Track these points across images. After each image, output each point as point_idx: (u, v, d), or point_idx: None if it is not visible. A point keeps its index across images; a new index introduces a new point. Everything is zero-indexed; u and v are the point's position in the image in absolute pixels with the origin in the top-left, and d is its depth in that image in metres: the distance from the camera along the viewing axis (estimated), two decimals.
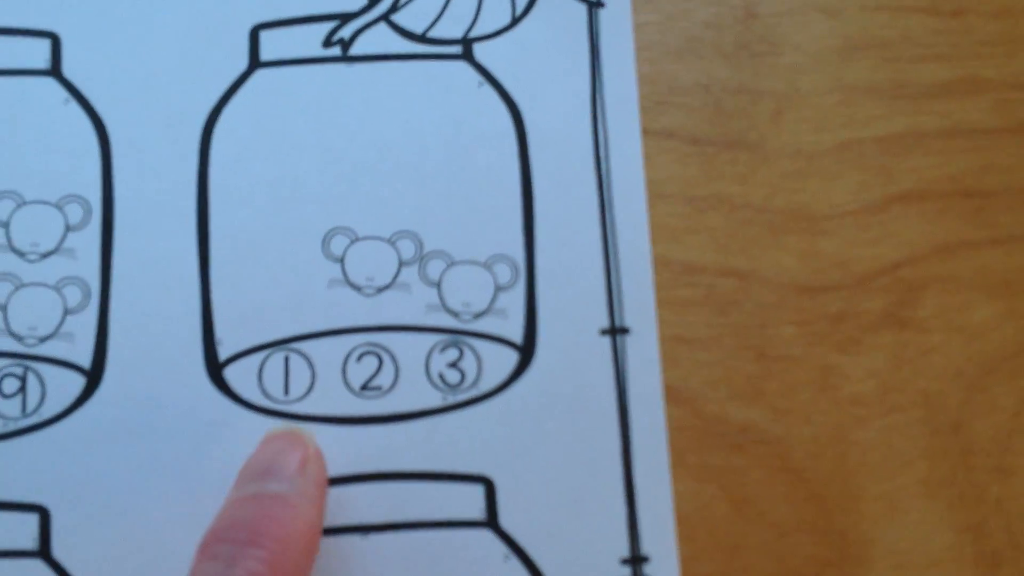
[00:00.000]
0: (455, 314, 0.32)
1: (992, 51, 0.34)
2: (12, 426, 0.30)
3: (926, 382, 0.32)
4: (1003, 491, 0.32)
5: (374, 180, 0.32)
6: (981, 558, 0.31)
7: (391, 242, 0.32)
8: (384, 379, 0.31)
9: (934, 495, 0.31)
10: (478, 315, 0.32)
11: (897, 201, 0.33)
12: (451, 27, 0.34)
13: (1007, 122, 0.34)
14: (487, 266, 0.32)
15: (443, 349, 0.32)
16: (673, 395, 0.32)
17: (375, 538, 0.30)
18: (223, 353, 0.31)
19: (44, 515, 0.30)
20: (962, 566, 0.31)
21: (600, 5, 0.34)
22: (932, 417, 0.32)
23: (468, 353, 0.32)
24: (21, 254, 0.31)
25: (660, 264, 0.32)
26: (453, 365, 0.31)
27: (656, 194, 0.33)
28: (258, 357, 0.31)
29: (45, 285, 0.31)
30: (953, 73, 0.34)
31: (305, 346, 0.31)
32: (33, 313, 0.31)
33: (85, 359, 0.31)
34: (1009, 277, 0.33)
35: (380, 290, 0.32)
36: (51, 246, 0.32)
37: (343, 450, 0.31)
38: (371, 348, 0.31)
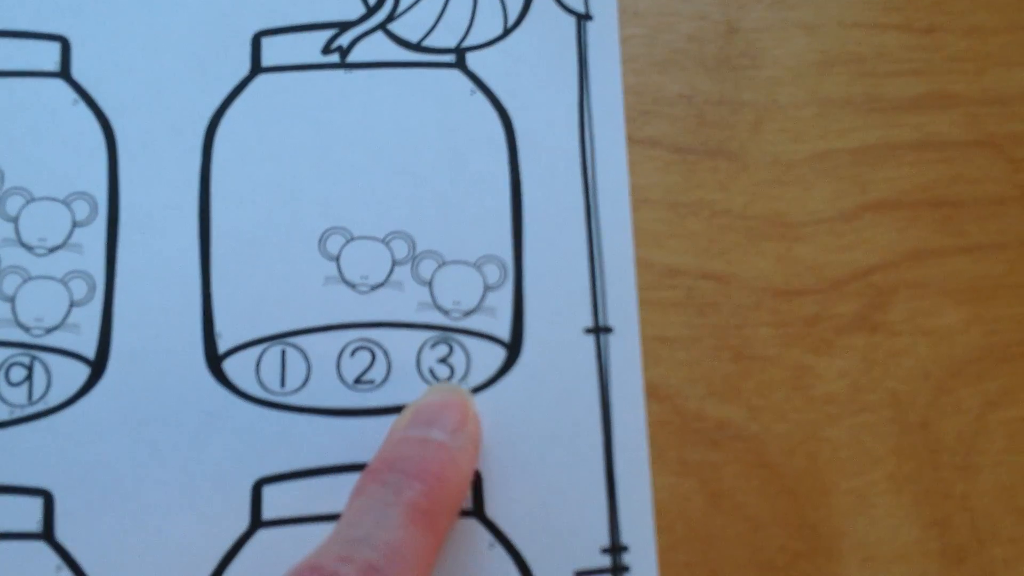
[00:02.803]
0: (445, 312, 0.33)
1: (962, 67, 0.36)
2: (18, 413, 0.31)
3: (895, 383, 0.33)
4: (968, 488, 0.33)
5: (369, 182, 0.33)
6: (946, 552, 0.32)
7: (385, 242, 0.33)
8: (376, 373, 0.32)
9: (902, 491, 0.33)
10: (467, 313, 0.33)
11: (870, 209, 0.34)
12: (445, 37, 0.35)
13: (976, 135, 0.35)
14: (477, 266, 0.33)
15: (434, 345, 0.33)
16: (653, 392, 0.33)
17: None
18: (222, 346, 0.32)
19: (48, 499, 0.31)
20: (928, 559, 0.32)
21: (588, 18, 0.35)
22: (900, 416, 0.33)
23: (457, 349, 0.33)
24: (29, 248, 0.32)
25: (643, 266, 0.34)
26: (443, 361, 0.33)
27: (640, 200, 0.34)
28: (256, 350, 0.32)
29: (52, 278, 0.32)
30: (925, 88, 0.35)
31: (301, 340, 0.32)
32: (40, 305, 0.32)
33: (90, 350, 0.32)
34: (976, 284, 0.34)
35: (374, 288, 0.33)
36: (58, 241, 0.33)
37: (337, 441, 0.32)
38: (364, 343, 0.32)
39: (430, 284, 0.33)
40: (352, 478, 0.31)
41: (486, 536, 0.31)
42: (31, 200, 0.33)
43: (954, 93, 0.35)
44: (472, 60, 0.35)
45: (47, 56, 0.34)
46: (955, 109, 0.35)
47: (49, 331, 0.32)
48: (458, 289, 0.33)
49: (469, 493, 0.31)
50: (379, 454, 0.29)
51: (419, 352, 0.33)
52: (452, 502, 0.28)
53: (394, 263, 0.33)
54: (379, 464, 0.28)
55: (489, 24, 0.35)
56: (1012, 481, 0.33)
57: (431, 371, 0.32)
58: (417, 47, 0.35)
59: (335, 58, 0.34)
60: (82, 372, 0.32)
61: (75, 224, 0.33)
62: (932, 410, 0.33)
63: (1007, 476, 0.33)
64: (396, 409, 0.32)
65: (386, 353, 0.32)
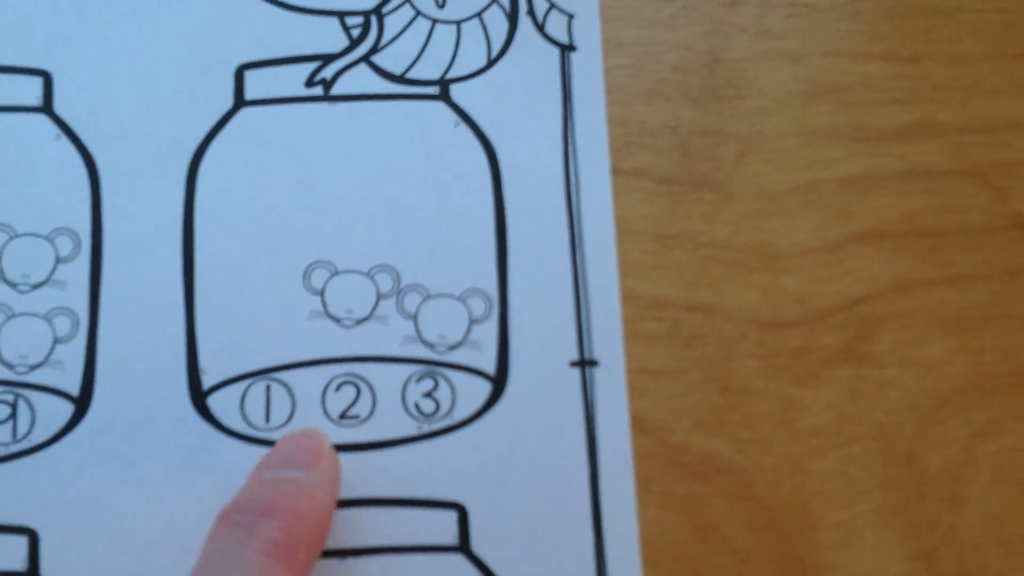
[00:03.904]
0: (431, 346, 0.33)
1: (947, 96, 0.36)
2: (3, 451, 0.31)
3: (881, 415, 0.33)
4: (955, 520, 0.33)
5: (354, 215, 0.33)
6: None
7: (370, 275, 0.33)
8: (362, 408, 0.32)
9: (888, 523, 0.33)
10: (453, 347, 0.33)
11: (855, 240, 0.34)
12: (429, 68, 0.35)
13: (961, 164, 0.35)
14: (462, 299, 0.33)
15: (419, 379, 0.33)
16: (639, 425, 0.33)
17: (352, 562, 0.31)
18: (207, 382, 0.32)
19: (33, 537, 0.31)
20: None
21: (572, 49, 0.35)
22: (887, 448, 0.33)
23: (443, 383, 0.33)
24: (13, 285, 0.32)
25: (628, 299, 0.34)
26: (428, 395, 0.33)
27: (625, 231, 0.34)
28: (240, 386, 0.32)
29: (36, 315, 0.32)
30: (910, 117, 0.35)
31: (286, 376, 0.32)
32: (24, 342, 0.32)
33: (74, 387, 0.32)
34: (962, 314, 0.34)
35: (359, 322, 0.33)
36: (42, 277, 0.33)
37: None
38: (349, 378, 0.32)
39: (415, 318, 0.33)
40: (338, 514, 0.31)
41: (473, 572, 0.31)
42: (14, 236, 0.33)
43: (939, 122, 0.35)
44: (456, 92, 0.35)
45: (29, 91, 0.34)
46: (940, 138, 0.35)
47: (33, 368, 0.32)
48: (443, 323, 0.33)
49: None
50: (231, 501, 0.29)
51: (404, 386, 0.33)
52: (310, 535, 0.28)
53: (379, 297, 0.33)
54: (230, 509, 0.28)
55: (473, 56, 0.35)
56: (999, 513, 0.33)
57: (416, 405, 0.32)
58: (401, 79, 0.35)
59: (319, 91, 0.34)
60: (66, 409, 0.32)
61: (58, 260, 0.33)
62: (918, 442, 0.33)
63: (994, 508, 0.33)
64: (381, 444, 0.32)
65: (371, 387, 0.32)
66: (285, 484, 0.29)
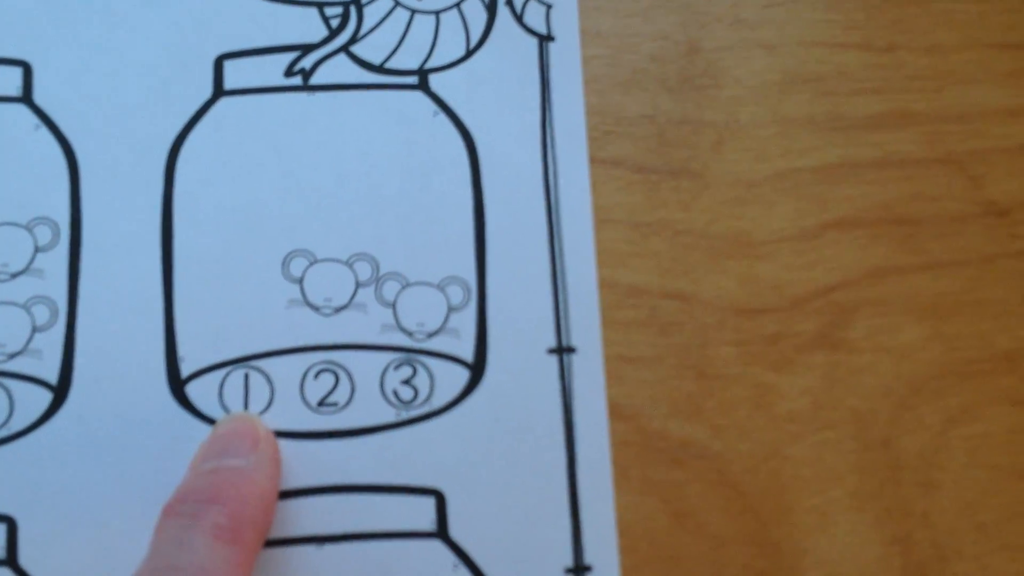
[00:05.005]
0: (409, 333, 0.33)
1: (922, 85, 0.36)
2: None
3: (856, 400, 0.33)
4: (929, 505, 0.33)
5: (333, 204, 0.34)
6: (908, 568, 0.32)
7: (348, 264, 0.33)
8: (340, 395, 0.32)
9: (863, 508, 0.33)
10: (431, 334, 0.33)
11: (831, 228, 0.35)
12: (408, 58, 0.35)
13: (936, 153, 0.35)
14: (440, 287, 0.33)
15: (397, 367, 0.33)
16: (617, 412, 0.33)
17: (330, 548, 0.31)
18: (185, 370, 0.32)
19: (11, 525, 0.31)
20: None
21: (550, 39, 0.35)
22: (862, 434, 0.33)
23: (421, 371, 0.33)
24: None
25: (605, 286, 0.34)
26: (407, 382, 0.33)
27: (602, 220, 0.34)
28: (219, 374, 0.32)
29: (14, 304, 0.32)
30: (885, 106, 0.36)
31: (264, 364, 0.32)
32: (2, 331, 0.32)
33: (52, 375, 0.32)
34: (936, 301, 0.34)
35: (337, 310, 0.33)
36: (21, 266, 0.33)
37: (300, 463, 0.32)
38: (328, 366, 0.33)
39: (394, 306, 0.33)
40: (317, 500, 0.32)
41: (450, 557, 0.31)
42: None
43: (914, 111, 0.36)
44: (435, 82, 0.35)
45: (9, 81, 0.34)
46: (915, 127, 0.35)
47: (11, 357, 0.32)
48: (422, 311, 0.33)
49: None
50: (174, 492, 0.29)
51: (383, 374, 0.33)
52: (255, 516, 0.28)
53: (358, 285, 0.33)
54: (174, 500, 0.28)
55: (451, 46, 0.35)
56: (973, 497, 0.33)
57: (395, 393, 0.33)
58: (380, 69, 0.35)
59: (298, 80, 0.34)
60: (45, 398, 0.32)
61: (37, 249, 0.33)
62: (893, 427, 0.33)
63: (968, 492, 0.33)
64: (360, 431, 0.32)
65: (350, 375, 0.32)
66: (226, 472, 0.29)
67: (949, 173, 0.35)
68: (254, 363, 0.32)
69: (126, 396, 0.32)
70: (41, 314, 0.32)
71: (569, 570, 0.32)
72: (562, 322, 0.33)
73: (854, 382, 0.34)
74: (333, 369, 0.32)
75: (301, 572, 0.31)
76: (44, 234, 0.33)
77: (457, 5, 0.35)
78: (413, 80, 0.35)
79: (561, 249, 0.34)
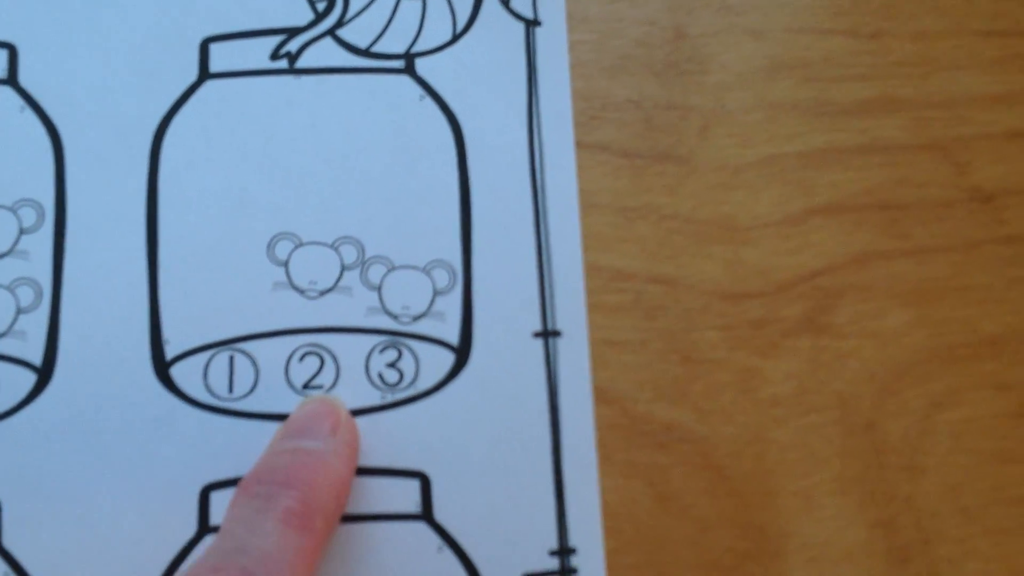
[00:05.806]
0: (395, 316, 0.33)
1: (908, 71, 0.36)
2: None
3: (841, 385, 0.34)
4: (912, 489, 0.33)
5: (318, 187, 0.34)
6: (891, 552, 0.33)
7: (334, 247, 0.33)
8: (325, 378, 0.32)
9: (847, 492, 0.33)
10: (417, 318, 0.33)
11: (816, 213, 0.35)
12: (394, 42, 0.35)
13: (921, 139, 0.35)
14: (426, 271, 0.33)
15: (383, 350, 0.33)
16: (602, 395, 0.33)
17: None
18: (170, 352, 0.32)
19: None
20: (874, 559, 0.33)
21: (537, 24, 0.35)
22: (846, 418, 0.33)
23: (406, 354, 0.33)
24: None
25: (591, 270, 0.34)
26: (392, 365, 0.33)
27: (588, 204, 0.34)
28: (204, 356, 0.32)
29: None
30: (871, 92, 0.36)
31: (249, 346, 0.32)
32: None
33: (36, 357, 0.32)
34: (920, 286, 0.34)
35: (323, 293, 0.33)
36: (5, 248, 0.32)
37: None
38: (313, 348, 0.33)
39: (379, 289, 0.33)
40: None
41: (435, 539, 0.31)
42: None
43: (900, 97, 0.36)
44: (421, 66, 0.35)
45: None
46: (901, 113, 0.36)
47: None
48: (407, 294, 0.33)
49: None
50: (250, 471, 0.29)
51: (368, 357, 0.33)
52: (328, 504, 0.28)
53: (343, 268, 0.33)
54: (249, 479, 0.28)
55: (438, 30, 0.35)
56: (957, 481, 0.33)
57: (380, 375, 0.33)
58: (366, 52, 0.35)
59: (283, 64, 0.34)
60: (29, 379, 0.32)
61: (22, 231, 0.33)
62: (877, 412, 0.33)
63: (952, 477, 0.33)
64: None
65: (335, 358, 0.32)
66: (302, 454, 0.29)
67: (934, 159, 0.35)
68: (239, 346, 0.32)
69: (110, 378, 0.32)
70: (25, 295, 0.32)
71: (553, 552, 0.32)
72: (547, 306, 0.33)
73: (839, 367, 0.34)
74: (318, 352, 0.32)
75: None
76: (29, 216, 0.33)
77: None
78: (399, 64, 0.35)
79: (547, 233, 0.34)
